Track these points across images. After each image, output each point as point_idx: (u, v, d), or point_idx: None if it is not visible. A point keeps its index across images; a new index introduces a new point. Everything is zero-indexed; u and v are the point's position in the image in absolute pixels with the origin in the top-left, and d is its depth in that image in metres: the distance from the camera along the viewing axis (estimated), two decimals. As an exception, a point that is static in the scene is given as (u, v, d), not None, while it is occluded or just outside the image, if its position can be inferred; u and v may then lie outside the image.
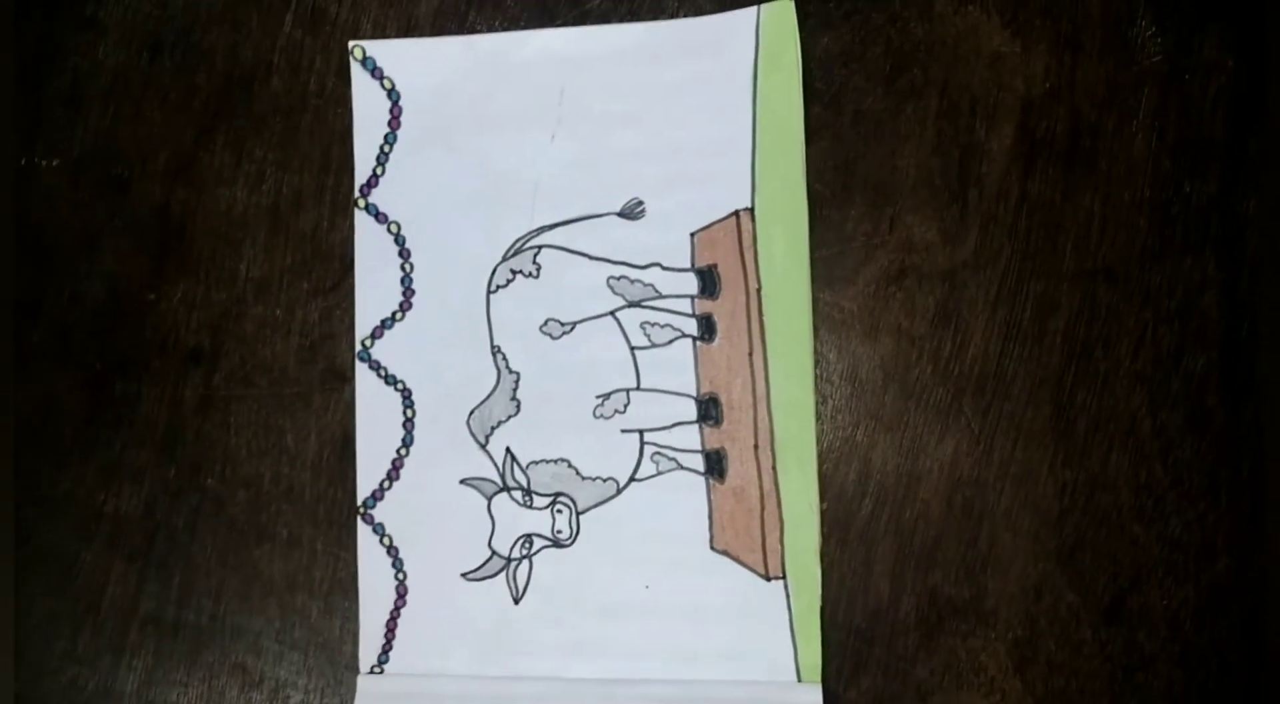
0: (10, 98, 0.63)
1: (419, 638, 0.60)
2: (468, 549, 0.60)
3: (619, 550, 0.59)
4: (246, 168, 0.62)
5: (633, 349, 0.59)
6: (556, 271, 0.60)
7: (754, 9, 0.59)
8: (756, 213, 0.59)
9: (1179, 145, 0.57)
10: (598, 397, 0.59)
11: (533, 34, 0.61)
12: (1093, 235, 0.57)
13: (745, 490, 0.58)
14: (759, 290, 0.59)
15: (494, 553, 0.60)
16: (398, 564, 0.60)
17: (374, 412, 0.61)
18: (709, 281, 0.59)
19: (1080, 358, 0.57)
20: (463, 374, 0.60)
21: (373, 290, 0.61)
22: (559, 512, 0.59)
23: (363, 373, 0.61)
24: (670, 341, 0.59)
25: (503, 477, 0.60)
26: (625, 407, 0.59)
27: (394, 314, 0.61)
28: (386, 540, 0.60)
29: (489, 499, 0.60)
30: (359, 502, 0.60)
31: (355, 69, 0.62)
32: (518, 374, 0.60)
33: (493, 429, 0.60)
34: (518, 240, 0.60)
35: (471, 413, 0.60)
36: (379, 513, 0.60)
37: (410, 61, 0.62)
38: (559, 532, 0.59)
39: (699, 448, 0.59)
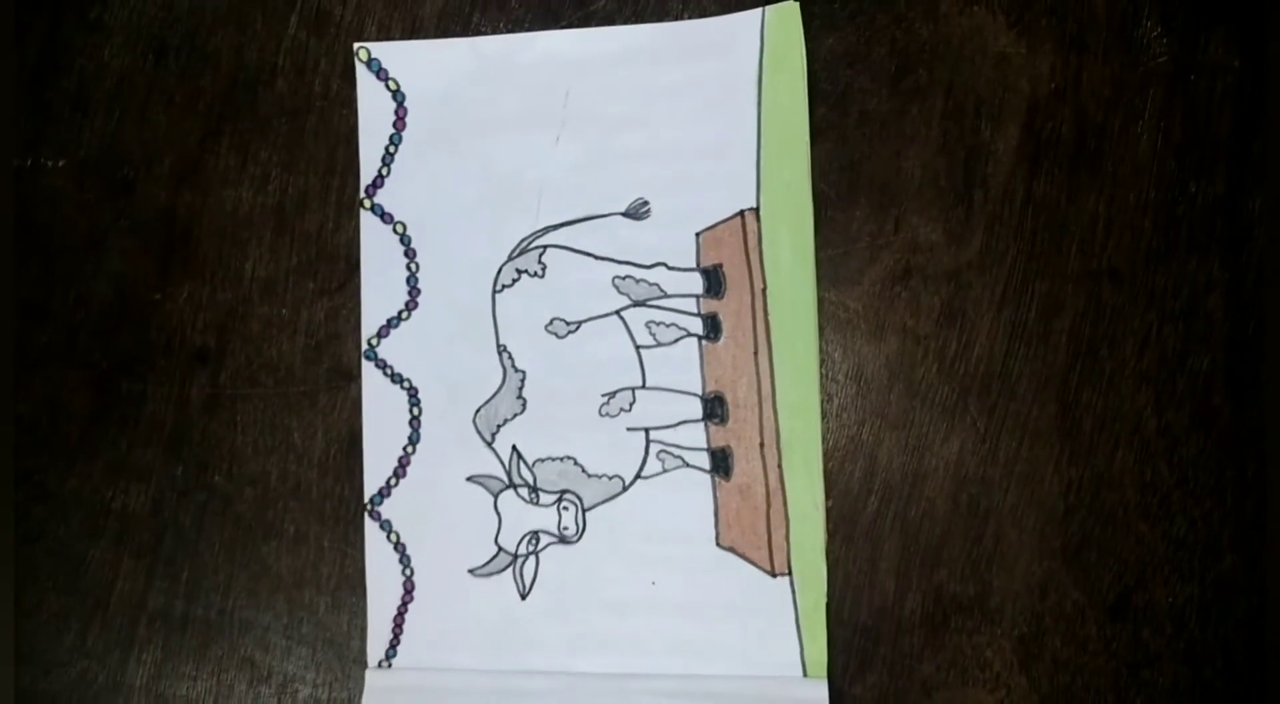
0: (10, 99, 0.59)
1: (426, 633, 0.56)
2: (474, 545, 0.56)
3: (625, 547, 0.55)
4: (252, 169, 0.58)
5: (638, 348, 0.56)
6: (562, 271, 0.56)
7: (759, 10, 0.55)
8: (762, 213, 0.55)
9: (1184, 146, 0.53)
10: (603, 395, 0.56)
11: (537, 35, 0.57)
12: (1098, 236, 0.53)
13: (751, 488, 0.54)
14: (764, 290, 0.55)
15: (500, 549, 0.56)
16: (405, 560, 0.57)
17: (380, 410, 0.57)
18: (714, 281, 0.55)
19: (1085, 357, 0.53)
20: (469, 372, 0.57)
21: (378, 290, 0.57)
22: (565, 508, 0.56)
23: (369, 371, 0.57)
24: (676, 341, 0.56)
25: (509, 474, 0.56)
26: (631, 405, 0.56)
27: (400, 313, 0.57)
28: (394, 537, 0.57)
29: (495, 496, 0.56)
30: (366, 498, 0.57)
31: (360, 71, 0.58)
32: (524, 372, 0.56)
33: (499, 427, 0.56)
34: (523, 240, 0.57)
35: (478, 411, 0.57)
36: (386, 509, 0.57)
37: (415, 63, 0.58)
38: (565, 528, 0.56)
39: (704, 446, 0.55)
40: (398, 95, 0.57)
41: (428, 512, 0.56)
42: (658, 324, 0.55)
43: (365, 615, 0.56)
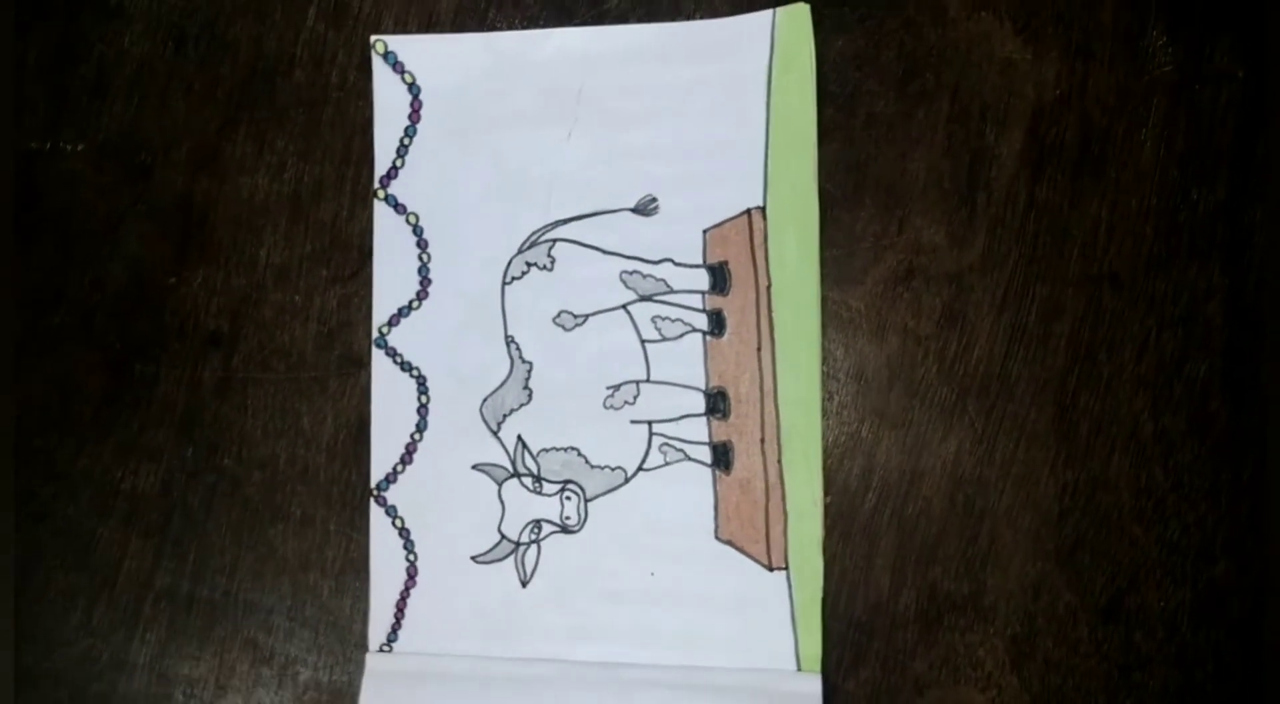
0: (9, 86, 0.59)
1: (428, 618, 0.56)
2: (478, 533, 0.56)
3: (626, 538, 0.55)
4: (268, 158, 0.59)
5: (643, 342, 0.56)
6: (570, 265, 0.56)
7: (770, 11, 0.55)
8: (768, 212, 0.55)
9: (1187, 154, 0.53)
10: (608, 388, 0.56)
11: (551, 33, 0.57)
12: (1099, 241, 0.53)
13: (751, 483, 0.54)
14: (769, 288, 0.55)
15: (503, 537, 0.56)
16: (409, 546, 0.57)
17: (389, 397, 0.57)
18: (720, 278, 0.55)
19: (1084, 361, 0.53)
20: (477, 363, 0.57)
21: (390, 279, 0.57)
22: (568, 498, 0.56)
23: (379, 359, 0.57)
24: (680, 336, 0.56)
25: (514, 463, 0.56)
26: (635, 398, 0.56)
27: (410, 303, 0.57)
28: (398, 522, 0.57)
29: (500, 485, 0.56)
30: (372, 484, 0.57)
31: (377, 63, 0.58)
32: (530, 364, 0.56)
33: (505, 417, 0.56)
34: (533, 234, 0.57)
35: (485, 400, 0.57)
36: (392, 495, 0.57)
37: (431, 57, 0.58)
38: (567, 518, 0.56)
39: (706, 440, 0.55)
40: (413, 88, 0.57)
41: (433, 498, 0.56)
42: (663, 319, 0.55)
43: (368, 599, 0.56)
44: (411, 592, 0.56)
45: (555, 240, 0.56)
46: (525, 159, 0.57)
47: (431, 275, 0.57)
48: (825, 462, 0.54)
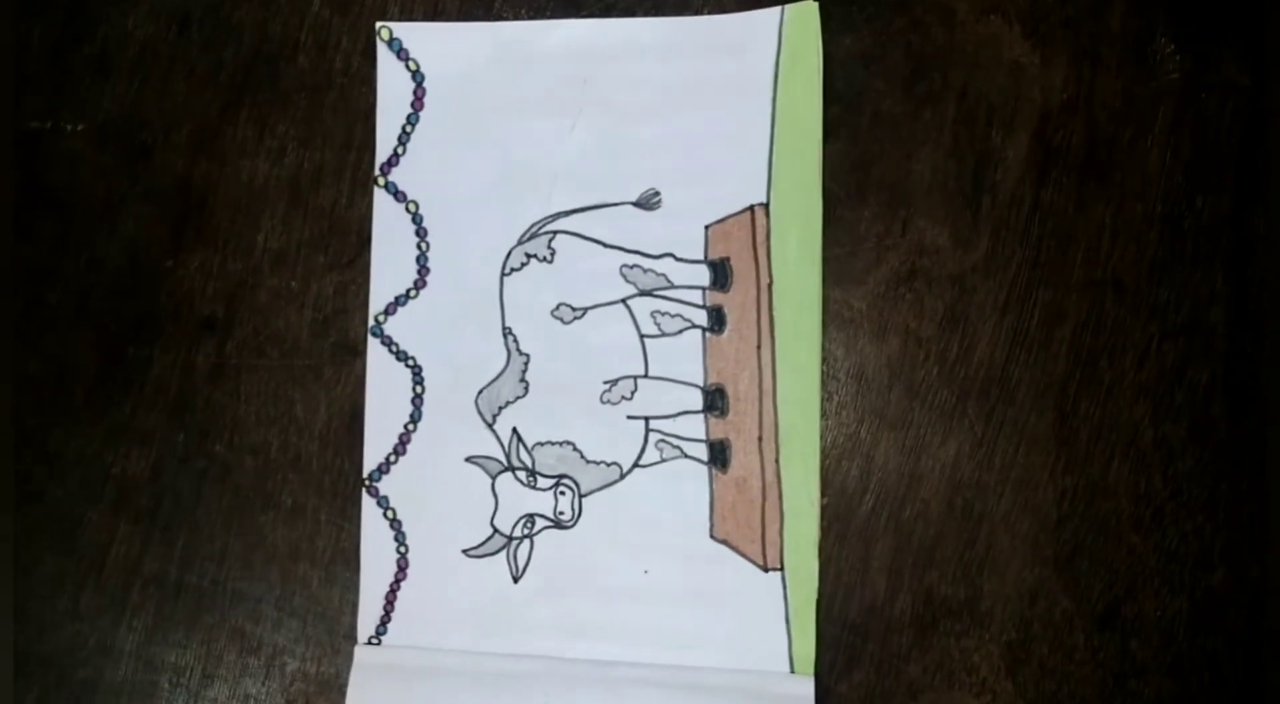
0: (10, 63, 0.59)
1: (417, 611, 0.55)
2: (470, 526, 0.56)
3: (620, 534, 0.55)
4: (269, 142, 0.58)
5: (642, 337, 0.55)
6: (570, 257, 0.56)
7: (778, 9, 0.55)
8: (771, 209, 0.54)
9: (1193, 161, 0.52)
10: (605, 382, 0.55)
11: (558, 24, 0.57)
12: (1103, 246, 0.52)
13: (747, 481, 0.54)
14: (770, 285, 0.54)
15: (496, 531, 0.55)
16: (400, 537, 0.56)
17: (384, 386, 0.56)
18: (721, 274, 0.55)
19: (1085, 367, 0.52)
20: (473, 354, 0.56)
21: (388, 267, 0.57)
22: (562, 493, 0.55)
23: (374, 348, 0.56)
24: (680, 331, 0.55)
25: (508, 456, 0.55)
26: (632, 393, 0.55)
27: (408, 292, 0.57)
28: (390, 513, 0.56)
29: (493, 478, 0.55)
30: (365, 474, 0.56)
31: (381, 50, 0.57)
32: (527, 356, 0.56)
33: (500, 409, 0.56)
34: (534, 225, 0.56)
35: (480, 392, 0.56)
36: (384, 486, 0.56)
37: (436, 45, 0.57)
38: (561, 513, 0.55)
39: (703, 437, 0.54)
40: (417, 76, 0.56)
41: (425, 490, 0.55)
42: (663, 314, 0.55)
43: (358, 591, 0.55)
44: (402, 584, 0.55)
45: (556, 232, 0.55)
46: (528, 150, 0.56)
47: (430, 264, 0.56)
48: (823, 462, 0.53)
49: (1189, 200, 0.52)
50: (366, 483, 0.56)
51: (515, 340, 0.55)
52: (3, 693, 0.53)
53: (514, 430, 0.55)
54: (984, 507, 0.52)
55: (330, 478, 0.56)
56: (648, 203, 0.55)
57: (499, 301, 0.56)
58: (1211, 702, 0.50)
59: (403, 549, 0.55)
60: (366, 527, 0.56)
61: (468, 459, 0.55)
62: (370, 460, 0.56)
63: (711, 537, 0.53)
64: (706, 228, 0.55)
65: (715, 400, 0.54)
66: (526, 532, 0.55)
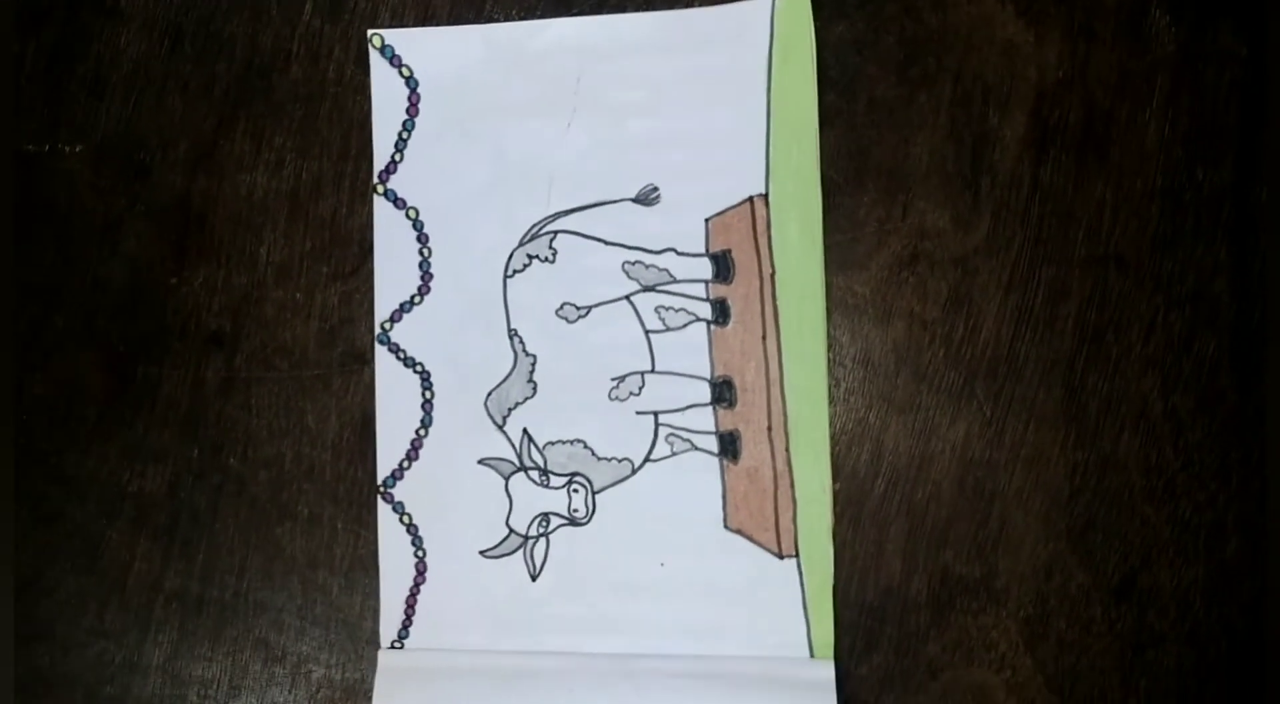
0: (10, 86, 0.58)
1: (438, 614, 0.55)
2: (486, 527, 0.55)
3: (634, 529, 0.54)
4: (266, 155, 0.57)
5: (647, 332, 0.55)
6: (572, 256, 0.55)
7: None
8: (771, 199, 0.54)
9: (1191, 133, 0.52)
10: (613, 379, 0.55)
11: (549, 23, 0.56)
12: (1104, 222, 0.52)
13: (759, 471, 0.54)
14: (773, 275, 0.54)
15: (511, 531, 0.55)
16: (417, 542, 0.56)
17: (393, 393, 0.56)
18: (723, 266, 0.54)
19: (1091, 342, 0.52)
20: (480, 356, 0.56)
21: (391, 274, 0.56)
22: (575, 491, 0.55)
23: (382, 355, 0.56)
24: (684, 325, 0.55)
25: (520, 457, 0.55)
26: (640, 389, 0.55)
27: (412, 298, 0.56)
28: (406, 518, 0.56)
29: (506, 479, 0.55)
30: (379, 481, 0.56)
31: (374, 57, 0.57)
32: (534, 356, 0.55)
33: (510, 410, 0.55)
34: (534, 226, 0.56)
35: (489, 394, 0.56)
36: (399, 492, 0.56)
37: (428, 50, 0.57)
38: (575, 510, 0.55)
39: (713, 429, 0.54)
40: (411, 82, 0.56)
41: (440, 494, 0.55)
42: (667, 309, 0.54)
43: (378, 597, 0.55)
44: (421, 588, 0.55)
45: (556, 232, 0.55)
46: (525, 151, 0.56)
47: (433, 270, 0.56)
48: (833, 448, 0.53)
49: (1189, 172, 0.51)
50: (381, 489, 0.56)
51: (521, 341, 0.55)
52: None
53: (524, 431, 0.55)
54: (995, 485, 0.52)
55: (345, 486, 0.56)
56: (647, 199, 0.55)
57: (503, 304, 0.55)
58: (1229, 670, 0.50)
59: (420, 553, 0.55)
60: (383, 532, 0.56)
61: (480, 461, 0.55)
62: (384, 467, 0.56)
63: (725, 527, 0.53)
64: (707, 221, 0.54)
65: (723, 392, 0.54)
66: (542, 530, 0.55)
